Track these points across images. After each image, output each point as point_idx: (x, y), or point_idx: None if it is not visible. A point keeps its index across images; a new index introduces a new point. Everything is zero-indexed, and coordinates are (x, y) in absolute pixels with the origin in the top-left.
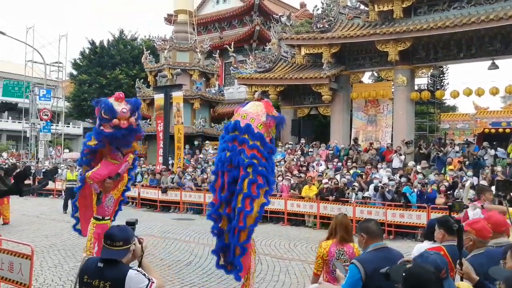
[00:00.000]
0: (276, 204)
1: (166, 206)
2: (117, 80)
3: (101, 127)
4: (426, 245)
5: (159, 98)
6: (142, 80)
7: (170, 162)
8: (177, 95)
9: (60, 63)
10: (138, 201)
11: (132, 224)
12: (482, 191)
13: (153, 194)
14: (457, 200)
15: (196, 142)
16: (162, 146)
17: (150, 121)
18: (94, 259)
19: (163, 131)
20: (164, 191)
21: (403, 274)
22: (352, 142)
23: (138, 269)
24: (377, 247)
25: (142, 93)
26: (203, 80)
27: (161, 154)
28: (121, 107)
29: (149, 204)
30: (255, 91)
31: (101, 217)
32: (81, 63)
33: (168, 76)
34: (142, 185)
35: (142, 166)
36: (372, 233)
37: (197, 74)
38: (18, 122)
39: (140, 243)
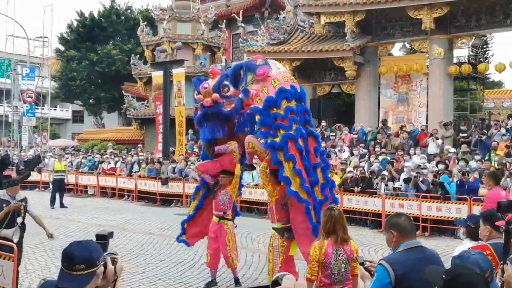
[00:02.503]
0: None
1: (167, 200)
2: (110, 56)
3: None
4: (468, 245)
5: (157, 76)
6: (138, 55)
7: (171, 149)
8: (178, 72)
9: (45, 37)
10: (135, 194)
11: (103, 238)
12: None
13: (152, 186)
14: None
15: None
16: (161, 131)
17: (147, 102)
18: (50, 284)
19: (162, 114)
20: (165, 182)
21: (443, 276)
22: (380, 125)
23: None
24: (410, 246)
25: (138, 70)
26: (208, 55)
27: (161, 140)
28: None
29: (147, 198)
30: None
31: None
32: (68, 38)
33: (167, 51)
34: (139, 176)
35: (139, 154)
36: (404, 230)
37: (201, 48)
38: None
39: (114, 263)
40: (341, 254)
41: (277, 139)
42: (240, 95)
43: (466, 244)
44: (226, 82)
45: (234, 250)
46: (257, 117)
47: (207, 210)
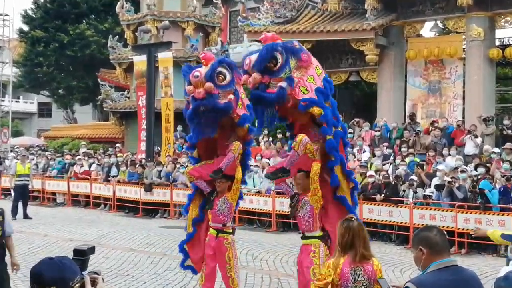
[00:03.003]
0: None
1: (151, 210)
2: (83, 37)
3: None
4: None
5: (140, 62)
6: (117, 36)
7: (156, 149)
8: (165, 56)
9: (6, 15)
10: (113, 202)
11: (81, 254)
12: None
13: (133, 193)
14: None
15: None
16: (145, 127)
17: (128, 93)
18: None
19: (146, 107)
20: (148, 189)
21: None
22: (407, 120)
23: None
24: (443, 265)
25: (116, 54)
26: (201, 36)
27: (144, 139)
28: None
29: (127, 207)
30: None
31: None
32: (34, 15)
33: (152, 31)
34: (118, 181)
35: (118, 155)
36: (435, 246)
37: (192, 28)
38: None
39: (94, 284)
40: (360, 275)
41: (331, 137)
42: (284, 84)
43: None
44: (221, 69)
45: (235, 269)
46: (317, 110)
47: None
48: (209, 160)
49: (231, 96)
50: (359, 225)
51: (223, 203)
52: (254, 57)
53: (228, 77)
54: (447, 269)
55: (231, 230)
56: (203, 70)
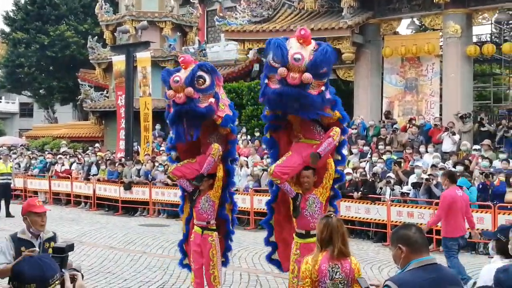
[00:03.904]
0: None
1: (131, 208)
2: (63, 38)
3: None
4: (499, 263)
5: (118, 61)
6: (96, 37)
7: (135, 148)
8: (143, 56)
9: None
10: (93, 201)
11: (60, 251)
12: None
13: (113, 191)
14: None
15: None
16: (124, 126)
17: (107, 92)
18: None
19: (125, 106)
20: (127, 187)
21: None
22: (383, 118)
23: None
24: (422, 263)
25: (96, 55)
26: (178, 36)
27: (123, 137)
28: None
29: (107, 205)
30: (249, 48)
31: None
32: (15, 17)
33: (130, 31)
34: (98, 180)
35: (98, 153)
36: (414, 244)
37: (170, 28)
38: None
39: (73, 281)
40: (338, 273)
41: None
42: (324, 87)
43: (496, 262)
44: (201, 73)
45: (218, 267)
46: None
47: None
48: (191, 158)
49: (212, 100)
50: (338, 221)
51: (205, 201)
52: (184, 74)
53: (208, 81)
54: (427, 267)
55: (215, 227)
56: (182, 74)
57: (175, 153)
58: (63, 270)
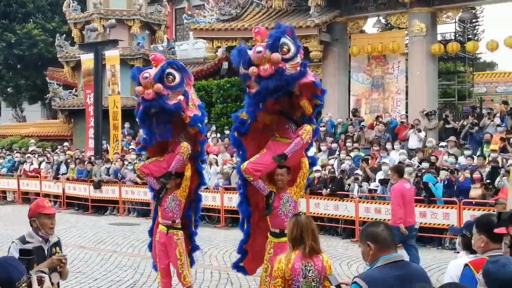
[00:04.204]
0: None
1: (101, 207)
2: (31, 36)
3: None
4: (465, 258)
5: (87, 60)
6: (65, 35)
7: (104, 146)
8: (112, 54)
9: None
10: (62, 200)
11: (27, 253)
12: None
13: (82, 190)
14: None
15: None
16: (93, 124)
17: (76, 91)
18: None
19: (93, 104)
20: (97, 186)
21: None
22: (351, 115)
23: None
24: (390, 260)
25: (64, 53)
26: (147, 34)
27: (92, 136)
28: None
29: (77, 204)
30: (218, 47)
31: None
32: None
33: (99, 30)
34: (67, 179)
35: (67, 152)
36: (383, 242)
37: (138, 26)
38: None
39: (41, 283)
40: (311, 271)
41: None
42: (302, 68)
43: (462, 258)
44: (170, 70)
45: (186, 265)
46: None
47: None
48: (159, 156)
49: (181, 97)
50: (307, 218)
51: (172, 200)
52: (154, 71)
53: (178, 78)
54: (395, 264)
55: (180, 226)
56: (152, 71)
57: (146, 153)
58: (30, 272)
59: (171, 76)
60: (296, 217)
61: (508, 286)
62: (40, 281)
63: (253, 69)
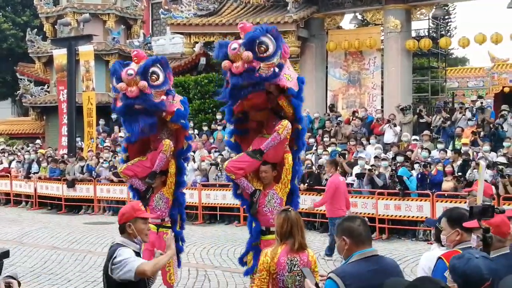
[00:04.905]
0: (228, 197)
1: (75, 206)
2: (0, 30)
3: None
4: (437, 250)
5: (60, 55)
6: (36, 30)
7: (78, 144)
8: (86, 50)
9: None
10: (34, 199)
11: None
12: None
13: (55, 189)
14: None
15: (114, 115)
16: (66, 121)
17: (48, 87)
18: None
19: (67, 101)
20: (71, 184)
21: None
22: (328, 110)
23: None
24: (364, 255)
25: (35, 48)
26: (122, 29)
27: (65, 133)
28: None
29: (50, 204)
30: (195, 42)
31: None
32: None
33: (72, 24)
34: (40, 178)
35: (39, 150)
36: (358, 237)
37: (113, 20)
38: None
39: None
40: (296, 265)
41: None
42: (276, 69)
43: (435, 250)
44: (154, 69)
45: (174, 264)
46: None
47: None
48: (142, 156)
49: (163, 97)
50: (296, 214)
51: (159, 199)
52: (137, 68)
53: (161, 77)
54: (369, 259)
55: (169, 224)
56: (136, 68)
57: (126, 154)
58: None
59: (154, 75)
60: (286, 213)
61: (474, 278)
62: (9, 287)
63: (225, 63)
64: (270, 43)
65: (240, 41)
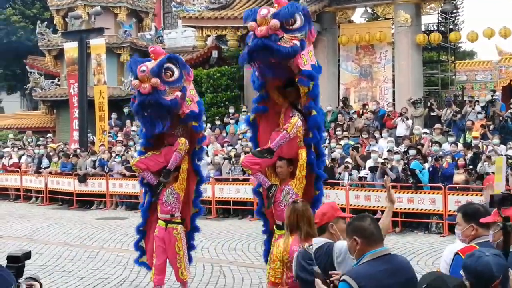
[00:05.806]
0: (241, 192)
1: (86, 201)
2: (10, 23)
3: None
4: (459, 244)
5: (71, 48)
6: (46, 22)
7: (90, 138)
8: (97, 43)
9: None
10: (45, 195)
11: (15, 260)
12: None
13: (67, 184)
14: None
15: (126, 109)
16: (77, 116)
17: (58, 81)
18: None
19: (78, 95)
20: (83, 179)
21: None
22: (340, 104)
23: None
24: (377, 255)
25: (46, 41)
26: (134, 22)
27: (77, 128)
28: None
29: (61, 199)
30: (207, 35)
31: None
32: None
33: (83, 17)
34: (50, 173)
35: (49, 145)
36: (370, 236)
37: (125, 13)
38: None
39: None
40: None
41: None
42: (298, 43)
43: (456, 244)
44: (169, 65)
45: (185, 260)
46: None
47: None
48: (156, 150)
49: (178, 93)
50: (304, 205)
51: (170, 194)
52: (152, 65)
53: (176, 74)
54: (381, 258)
55: (180, 220)
56: (150, 64)
57: (144, 146)
58: (19, 280)
59: (169, 71)
60: (294, 205)
61: (485, 276)
62: None
63: (251, 24)
64: (299, 19)
65: (272, 9)
